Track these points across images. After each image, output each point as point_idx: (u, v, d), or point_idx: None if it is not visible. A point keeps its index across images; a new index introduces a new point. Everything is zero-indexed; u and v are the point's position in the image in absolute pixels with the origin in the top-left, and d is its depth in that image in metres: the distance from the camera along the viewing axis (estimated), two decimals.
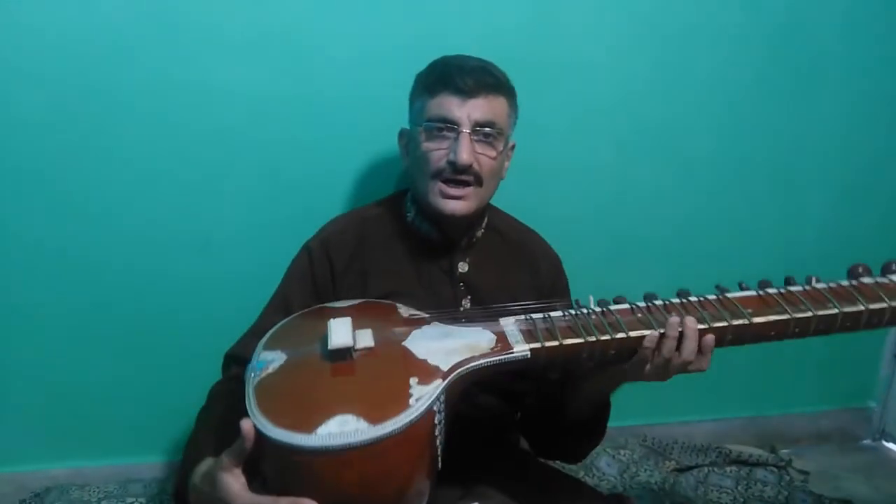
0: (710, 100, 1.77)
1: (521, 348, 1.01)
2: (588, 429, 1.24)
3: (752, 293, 1.06)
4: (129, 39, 1.46)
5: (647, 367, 1.03)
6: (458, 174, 1.19)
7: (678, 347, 1.01)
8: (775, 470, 1.88)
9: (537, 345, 1.01)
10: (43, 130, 1.47)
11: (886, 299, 1.01)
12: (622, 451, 1.87)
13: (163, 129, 1.51)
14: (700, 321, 1.02)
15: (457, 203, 1.21)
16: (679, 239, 1.82)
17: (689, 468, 1.87)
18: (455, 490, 1.20)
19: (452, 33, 1.55)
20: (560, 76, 1.66)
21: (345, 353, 0.99)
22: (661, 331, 1.01)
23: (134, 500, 1.60)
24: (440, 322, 1.08)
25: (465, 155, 1.17)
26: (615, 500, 1.33)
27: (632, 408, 1.89)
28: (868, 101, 1.87)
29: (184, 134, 1.52)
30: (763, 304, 1.04)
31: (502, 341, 1.02)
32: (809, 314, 1.02)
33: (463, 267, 1.29)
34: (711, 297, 1.06)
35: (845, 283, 1.06)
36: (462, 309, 1.27)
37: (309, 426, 0.87)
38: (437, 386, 0.94)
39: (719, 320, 1.02)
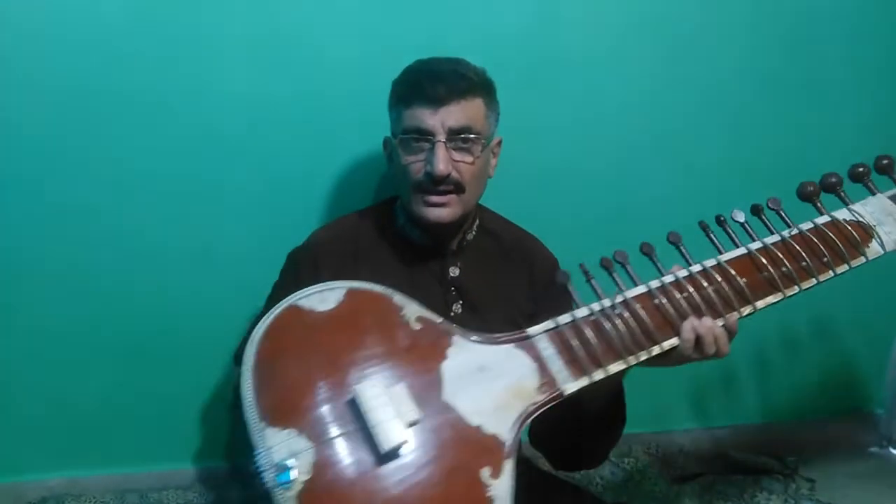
0: (716, 103, 1.76)
1: (570, 386, 0.95)
2: (606, 422, 1.21)
3: (741, 253, 1.07)
4: (125, 43, 1.44)
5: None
6: (437, 185, 1.19)
7: (705, 347, 1.02)
8: (781, 478, 1.85)
9: (586, 380, 0.96)
10: (38, 137, 1.46)
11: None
12: (626, 460, 1.84)
13: (160, 135, 1.50)
14: (715, 313, 1.02)
15: (440, 210, 1.21)
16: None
17: (695, 476, 1.84)
18: None
19: (453, 35, 1.54)
20: (563, 77, 1.65)
21: (399, 447, 0.86)
22: (694, 337, 1.00)
23: None
24: (461, 338, 0.98)
25: (441, 165, 1.17)
26: None
27: (636, 416, 1.85)
28: (880, 107, 1.86)
29: (182, 139, 1.51)
30: (755, 269, 1.06)
31: (546, 376, 0.95)
32: (796, 290, 1.06)
33: (454, 271, 1.29)
34: (712, 264, 1.06)
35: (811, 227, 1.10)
36: (452, 314, 1.26)
37: None
38: (510, 473, 0.88)
39: (729, 305, 1.03)
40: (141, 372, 1.60)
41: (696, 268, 1.05)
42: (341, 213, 1.44)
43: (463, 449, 0.88)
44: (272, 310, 0.95)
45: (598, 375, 0.97)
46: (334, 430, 0.86)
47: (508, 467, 0.88)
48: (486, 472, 0.86)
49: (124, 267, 1.55)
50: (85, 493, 1.61)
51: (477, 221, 1.34)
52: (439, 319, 0.99)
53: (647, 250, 1.04)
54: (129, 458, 1.65)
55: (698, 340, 1.01)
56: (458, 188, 1.21)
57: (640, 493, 1.74)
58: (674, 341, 1.01)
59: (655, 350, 1.00)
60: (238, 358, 1.38)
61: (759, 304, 1.04)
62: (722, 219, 1.08)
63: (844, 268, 1.08)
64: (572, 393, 0.95)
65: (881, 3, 1.80)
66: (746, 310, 1.04)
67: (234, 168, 1.55)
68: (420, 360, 0.94)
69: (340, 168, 1.59)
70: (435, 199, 1.20)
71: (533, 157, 1.65)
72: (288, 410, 0.87)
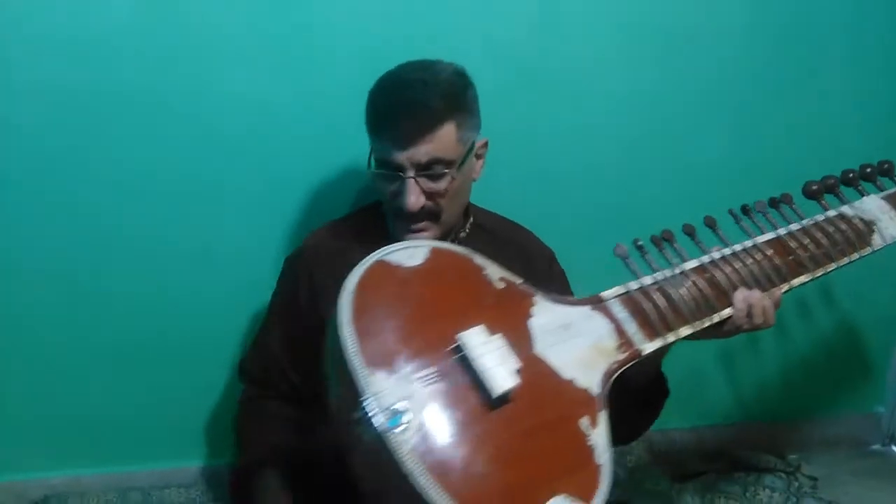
0: (715, 102, 1.75)
1: (647, 347, 1.00)
2: (650, 396, 1.25)
3: (772, 237, 1.16)
4: (125, 43, 1.44)
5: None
6: (411, 217, 1.19)
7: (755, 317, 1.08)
8: (783, 476, 1.85)
9: (660, 341, 1.01)
10: (38, 137, 1.45)
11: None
12: (628, 458, 1.84)
13: (160, 135, 1.49)
14: (760, 287, 1.09)
15: (418, 238, 1.21)
16: (686, 244, 1.81)
17: (697, 474, 1.84)
18: None
19: (453, 35, 1.54)
20: (563, 76, 1.65)
21: (509, 393, 0.87)
22: (746, 307, 1.06)
23: None
24: (542, 299, 1.00)
25: (411, 200, 1.16)
26: None
27: None
28: (880, 107, 1.85)
29: (182, 139, 1.50)
30: (784, 252, 1.14)
31: (623, 337, 1.00)
32: (821, 272, 1.16)
33: None
34: (749, 245, 1.13)
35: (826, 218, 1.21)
36: None
37: None
38: (605, 424, 0.91)
39: (770, 281, 1.10)
40: (142, 370, 1.60)
41: (736, 247, 1.13)
42: (341, 213, 1.45)
43: (561, 399, 0.91)
44: (360, 264, 0.95)
45: (671, 338, 1.02)
46: (442, 376, 0.87)
47: (604, 418, 0.91)
48: (584, 422, 0.89)
49: (124, 266, 1.54)
50: (87, 492, 1.61)
51: (470, 219, 1.34)
52: (519, 280, 1.02)
53: (688, 231, 1.13)
54: (131, 456, 1.65)
55: (749, 310, 1.07)
56: (434, 216, 1.21)
57: (641, 492, 1.74)
58: (729, 311, 1.07)
59: (716, 318, 1.06)
60: (242, 371, 1.40)
61: (795, 282, 1.13)
62: (748, 208, 1.18)
63: (856, 256, 1.19)
64: (649, 353, 1.00)
65: (881, 3, 1.79)
66: (784, 287, 1.12)
67: (233, 168, 1.54)
68: (508, 316, 0.96)
69: (340, 168, 1.58)
70: (413, 226, 1.20)
71: (532, 156, 1.65)
72: (393, 356, 0.87)
